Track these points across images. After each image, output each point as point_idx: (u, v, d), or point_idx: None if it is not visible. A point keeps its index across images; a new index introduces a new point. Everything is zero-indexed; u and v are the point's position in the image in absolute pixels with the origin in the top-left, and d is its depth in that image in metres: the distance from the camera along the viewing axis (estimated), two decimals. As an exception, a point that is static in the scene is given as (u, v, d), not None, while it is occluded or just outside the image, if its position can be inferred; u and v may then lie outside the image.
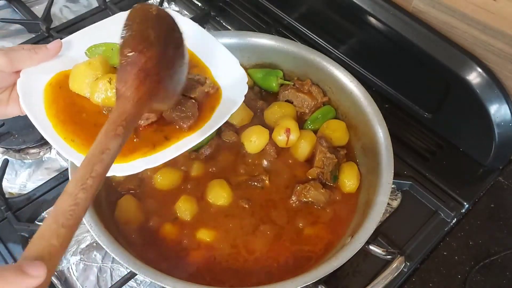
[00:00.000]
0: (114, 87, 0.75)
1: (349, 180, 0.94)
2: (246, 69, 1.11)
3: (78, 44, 0.87)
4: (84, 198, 0.56)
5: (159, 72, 0.68)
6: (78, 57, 0.86)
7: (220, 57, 0.92)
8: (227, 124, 1.00)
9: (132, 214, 0.89)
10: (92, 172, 0.58)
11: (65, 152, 0.75)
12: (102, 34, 0.89)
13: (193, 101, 0.84)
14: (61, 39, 0.85)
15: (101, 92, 0.81)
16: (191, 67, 0.87)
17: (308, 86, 1.06)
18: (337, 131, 1.01)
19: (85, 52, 0.87)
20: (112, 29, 0.87)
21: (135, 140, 0.79)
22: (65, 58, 0.85)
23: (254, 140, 0.96)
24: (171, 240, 0.87)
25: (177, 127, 0.81)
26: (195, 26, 0.95)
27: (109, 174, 0.65)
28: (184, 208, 0.89)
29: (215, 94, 0.87)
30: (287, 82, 1.08)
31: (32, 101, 0.78)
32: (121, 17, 0.86)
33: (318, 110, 1.05)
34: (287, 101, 1.07)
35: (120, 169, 0.74)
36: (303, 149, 0.97)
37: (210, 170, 0.96)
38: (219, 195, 0.91)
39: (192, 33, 0.88)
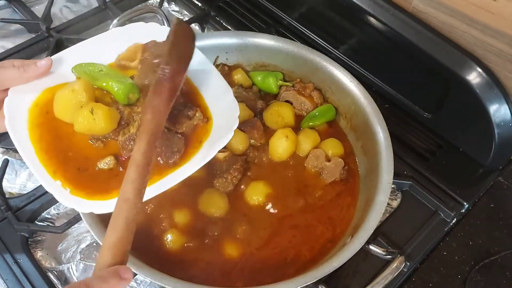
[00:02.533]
0: (96, 117, 0.79)
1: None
2: (246, 71, 1.12)
3: (68, 61, 0.86)
4: (140, 207, 0.64)
5: (181, 85, 0.77)
6: (67, 74, 0.85)
7: (213, 84, 0.89)
8: None
9: None
10: (145, 183, 0.65)
11: (44, 182, 0.74)
12: (93, 51, 0.88)
13: (180, 136, 0.81)
14: (52, 55, 0.84)
15: (83, 123, 0.80)
16: (181, 94, 0.84)
17: (310, 90, 1.06)
18: None
19: (72, 70, 0.85)
20: (104, 46, 0.88)
21: (120, 169, 0.79)
22: (54, 75, 0.84)
23: (234, 143, 0.96)
24: (170, 243, 0.87)
25: (161, 162, 0.79)
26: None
27: (87, 211, 0.72)
28: (181, 219, 0.89)
29: (205, 125, 0.85)
30: (286, 84, 1.08)
31: (17, 123, 0.78)
32: (114, 33, 0.87)
33: (316, 108, 1.06)
34: (287, 101, 1.07)
35: (107, 206, 0.73)
36: (304, 147, 0.98)
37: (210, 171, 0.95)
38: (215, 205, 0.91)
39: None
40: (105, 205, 0.74)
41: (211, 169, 0.93)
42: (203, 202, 0.91)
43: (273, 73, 1.09)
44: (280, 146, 0.96)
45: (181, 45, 0.79)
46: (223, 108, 0.86)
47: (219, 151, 0.91)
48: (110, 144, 0.82)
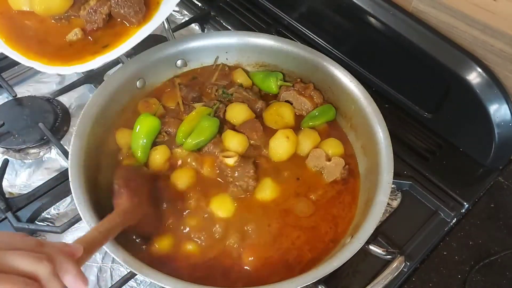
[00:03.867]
0: None
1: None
2: (246, 71, 1.12)
3: None
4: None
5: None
6: None
7: None
8: (229, 124, 1.00)
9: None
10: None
11: (23, 61, 0.84)
12: None
13: None
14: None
15: (40, 3, 0.87)
16: None
17: (310, 90, 1.06)
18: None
19: None
20: None
21: (90, 39, 0.89)
22: None
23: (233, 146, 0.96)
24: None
25: (127, 24, 0.89)
26: None
27: (70, 72, 0.86)
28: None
29: None
30: (286, 84, 1.08)
31: None
32: None
33: (316, 108, 1.05)
34: (287, 101, 1.07)
35: (86, 66, 0.85)
36: (304, 147, 0.99)
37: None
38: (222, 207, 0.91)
39: None
40: (84, 66, 0.85)
41: (222, 175, 0.94)
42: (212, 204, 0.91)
43: (273, 73, 1.09)
44: (281, 146, 0.96)
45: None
46: None
47: (228, 157, 0.92)
48: (74, 21, 0.92)
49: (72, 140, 0.88)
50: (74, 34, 0.89)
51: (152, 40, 1.25)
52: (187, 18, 1.37)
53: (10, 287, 0.51)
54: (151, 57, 1.04)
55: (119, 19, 0.90)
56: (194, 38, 1.09)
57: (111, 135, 0.98)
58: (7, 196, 0.98)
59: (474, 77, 0.95)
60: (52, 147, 1.08)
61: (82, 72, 1.18)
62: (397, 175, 0.96)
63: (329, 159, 0.97)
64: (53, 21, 0.90)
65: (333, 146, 0.99)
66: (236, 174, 0.92)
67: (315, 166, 0.97)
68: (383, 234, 0.94)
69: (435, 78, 1.04)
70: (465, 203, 1.00)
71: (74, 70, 0.85)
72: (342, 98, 1.04)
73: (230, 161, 0.93)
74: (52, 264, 0.56)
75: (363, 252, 0.87)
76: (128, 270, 0.87)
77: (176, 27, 1.30)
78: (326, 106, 1.06)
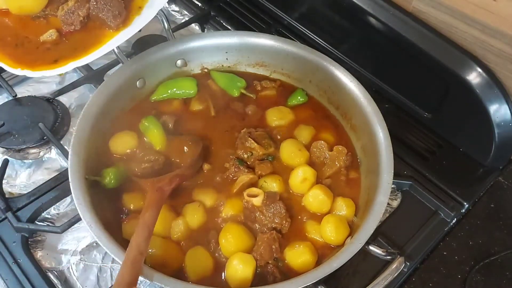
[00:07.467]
0: None
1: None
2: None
3: None
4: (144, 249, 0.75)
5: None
6: None
7: None
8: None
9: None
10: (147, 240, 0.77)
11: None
12: None
13: (120, 0, 0.86)
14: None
15: (14, 3, 0.87)
16: None
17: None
18: None
19: None
20: None
21: (66, 42, 0.87)
22: None
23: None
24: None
25: (106, 28, 0.86)
26: None
27: (37, 76, 0.84)
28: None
29: None
30: (249, 95, 1.08)
31: None
32: None
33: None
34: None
35: (49, 72, 0.83)
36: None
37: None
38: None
39: None
40: (53, 71, 0.83)
41: (249, 215, 0.89)
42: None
43: (237, 79, 1.09)
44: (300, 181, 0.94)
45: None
46: None
47: (253, 196, 0.89)
48: (52, 20, 0.90)
49: (72, 140, 0.88)
50: (49, 35, 0.86)
51: (152, 40, 1.25)
52: (187, 18, 1.37)
53: None
54: (151, 57, 1.04)
55: (97, 22, 0.87)
56: (194, 38, 1.09)
57: (111, 135, 0.98)
58: (7, 196, 0.98)
59: (474, 77, 0.95)
60: (52, 147, 1.08)
61: (82, 72, 1.18)
62: (397, 175, 0.96)
63: (331, 149, 0.98)
64: (31, 19, 0.89)
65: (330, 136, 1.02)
66: (264, 219, 0.87)
67: (318, 157, 0.97)
68: (383, 234, 0.94)
69: (435, 78, 1.04)
70: (465, 203, 1.00)
71: (42, 74, 0.82)
72: (342, 98, 1.04)
73: (256, 201, 0.88)
74: None
75: (363, 252, 0.87)
76: (128, 270, 0.87)
77: (176, 27, 1.31)
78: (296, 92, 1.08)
